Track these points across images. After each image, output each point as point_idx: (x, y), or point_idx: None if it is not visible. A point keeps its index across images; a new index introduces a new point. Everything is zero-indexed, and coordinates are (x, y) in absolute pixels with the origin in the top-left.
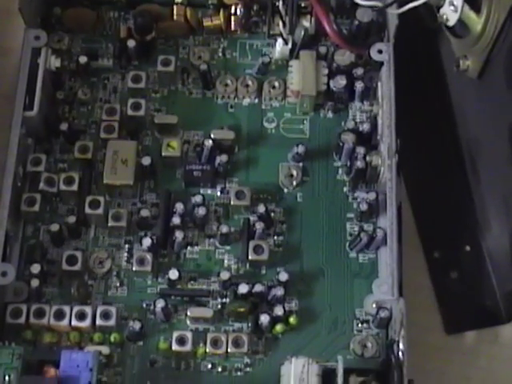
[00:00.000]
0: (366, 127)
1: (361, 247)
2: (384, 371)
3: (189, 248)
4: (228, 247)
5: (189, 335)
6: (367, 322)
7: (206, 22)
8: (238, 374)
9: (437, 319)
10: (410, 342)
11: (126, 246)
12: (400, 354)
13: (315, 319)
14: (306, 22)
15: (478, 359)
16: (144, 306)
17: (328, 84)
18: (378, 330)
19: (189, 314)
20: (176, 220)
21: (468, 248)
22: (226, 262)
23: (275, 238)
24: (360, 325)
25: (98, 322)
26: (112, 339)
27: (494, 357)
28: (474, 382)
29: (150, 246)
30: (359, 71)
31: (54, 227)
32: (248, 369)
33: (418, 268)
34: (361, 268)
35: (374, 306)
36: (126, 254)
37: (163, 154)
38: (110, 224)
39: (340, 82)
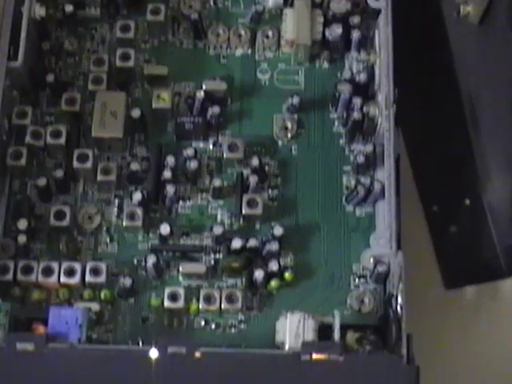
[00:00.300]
0: (362, 77)
1: (358, 201)
2: (382, 327)
3: (181, 203)
4: (221, 201)
5: (181, 291)
6: (364, 277)
7: None
8: (232, 330)
9: (436, 274)
10: (409, 297)
11: (116, 200)
12: (398, 308)
13: (311, 275)
14: None
15: (478, 314)
16: (135, 262)
17: (323, 33)
18: (376, 285)
19: (181, 269)
20: (167, 174)
21: (468, 201)
22: (219, 216)
23: (269, 191)
24: (357, 280)
25: (88, 278)
26: (102, 296)
27: (495, 311)
28: (474, 336)
29: (141, 200)
30: (356, 19)
31: (42, 181)
32: (242, 325)
33: (416, 222)
34: (358, 222)
35: (372, 260)
36: (115, 209)
37: (153, 106)
38: (99, 178)
39: (336, 30)
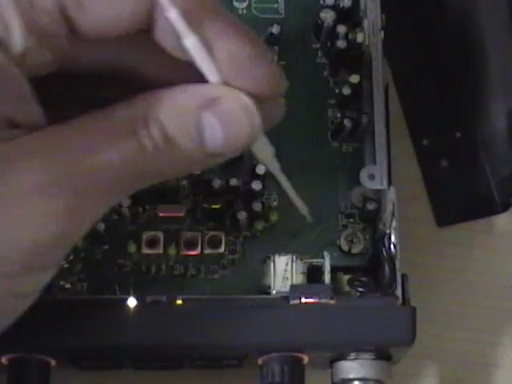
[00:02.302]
0: (347, 3)
1: (344, 136)
2: (373, 268)
3: None
4: None
5: (160, 236)
6: (353, 216)
7: None
8: (215, 276)
9: (427, 211)
10: (400, 235)
11: None
12: (392, 246)
13: (297, 215)
14: None
15: (472, 251)
16: None
17: None
18: (365, 225)
19: (159, 213)
20: None
21: (459, 134)
22: None
23: None
24: (346, 219)
25: None
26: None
27: (489, 247)
28: (470, 273)
29: None
30: None
31: None
32: (225, 271)
33: (406, 158)
34: (345, 158)
35: (361, 198)
36: None
37: None
38: None
39: None
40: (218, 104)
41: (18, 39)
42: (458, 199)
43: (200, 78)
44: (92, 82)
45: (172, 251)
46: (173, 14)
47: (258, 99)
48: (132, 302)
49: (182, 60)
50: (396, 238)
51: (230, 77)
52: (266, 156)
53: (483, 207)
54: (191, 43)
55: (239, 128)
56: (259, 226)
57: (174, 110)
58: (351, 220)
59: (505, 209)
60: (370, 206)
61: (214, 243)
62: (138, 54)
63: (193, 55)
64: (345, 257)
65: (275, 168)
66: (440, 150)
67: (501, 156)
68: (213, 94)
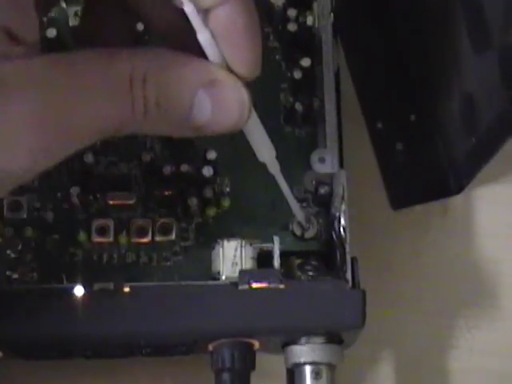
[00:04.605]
0: None
1: (297, 120)
2: (326, 253)
3: None
4: None
5: (110, 224)
6: (306, 200)
7: None
8: (168, 263)
9: (382, 195)
10: (355, 220)
11: None
12: (341, 230)
13: (249, 201)
14: None
15: (427, 234)
16: (58, 195)
17: None
18: (318, 209)
19: (109, 201)
20: None
21: (413, 117)
22: (147, 143)
23: None
24: (299, 204)
25: (7, 214)
26: (24, 234)
27: (445, 230)
28: (425, 256)
29: None
30: None
31: None
32: (177, 258)
33: (360, 142)
34: (298, 143)
35: (314, 182)
36: None
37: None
38: None
39: None
40: (215, 86)
41: None
42: (413, 182)
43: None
44: None
45: (123, 239)
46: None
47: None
48: (79, 290)
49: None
50: (346, 221)
51: (225, 44)
52: (266, 157)
53: (438, 189)
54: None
55: (227, 115)
56: (211, 212)
57: (175, 78)
58: (304, 204)
59: (459, 191)
60: (322, 190)
61: (166, 230)
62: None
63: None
64: (298, 242)
65: (275, 169)
66: (395, 133)
67: (455, 138)
68: (214, 75)
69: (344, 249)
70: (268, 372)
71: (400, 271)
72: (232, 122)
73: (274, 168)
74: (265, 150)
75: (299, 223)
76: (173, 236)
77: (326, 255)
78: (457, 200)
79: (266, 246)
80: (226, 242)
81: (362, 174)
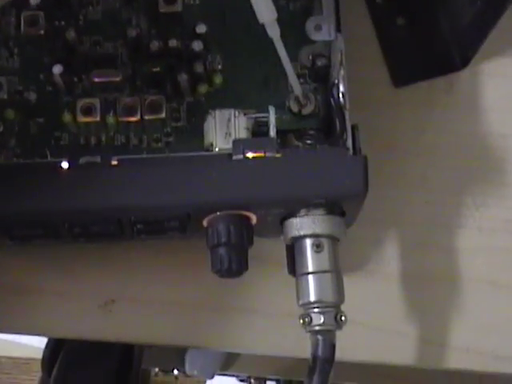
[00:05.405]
0: None
1: None
2: (324, 130)
3: (90, 8)
4: (135, 3)
5: (96, 103)
6: (304, 76)
7: None
8: (158, 145)
9: (384, 72)
10: (356, 98)
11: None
12: (340, 96)
13: (243, 77)
14: None
15: (431, 110)
16: (41, 77)
17: None
18: (316, 85)
19: (94, 78)
20: None
21: None
22: (133, 19)
23: None
24: None
25: None
26: (6, 115)
27: (450, 106)
28: (429, 134)
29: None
30: None
31: None
32: (169, 138)
33: (359, 18)
34: (292, 17)
35: (310, 57)
36: (13, 19)
37: None
38: None
39: None
40: None
41: None
42: (416, 57)
43: None
44: None
45: (110, 119)
46: None
47: None
48: (65, 164)
49: None
50: (344, 87)
51: None
52: (266, 18)
53: (442, 65)
54: None
55: None
56: (202, 89)
57: None
58: (301, 80)
59: (464, 64)
60: (320, 62)
61: (155, 108)
62: None
63: None
64: (295, 119)
65: (275, 33)
66: (395, 6)
67: (458, 9)
68: None
69: (343, 116)
70: (266, 258)
71: (403, 150)
72: None
73: (273, 31)
74: (265, 10)
75: (296, 98)
76: (163, 114)
77: (324, 133)
78: (462, 75)
79: (261, 115)
80: (218, 112)
81: (362, 50)
